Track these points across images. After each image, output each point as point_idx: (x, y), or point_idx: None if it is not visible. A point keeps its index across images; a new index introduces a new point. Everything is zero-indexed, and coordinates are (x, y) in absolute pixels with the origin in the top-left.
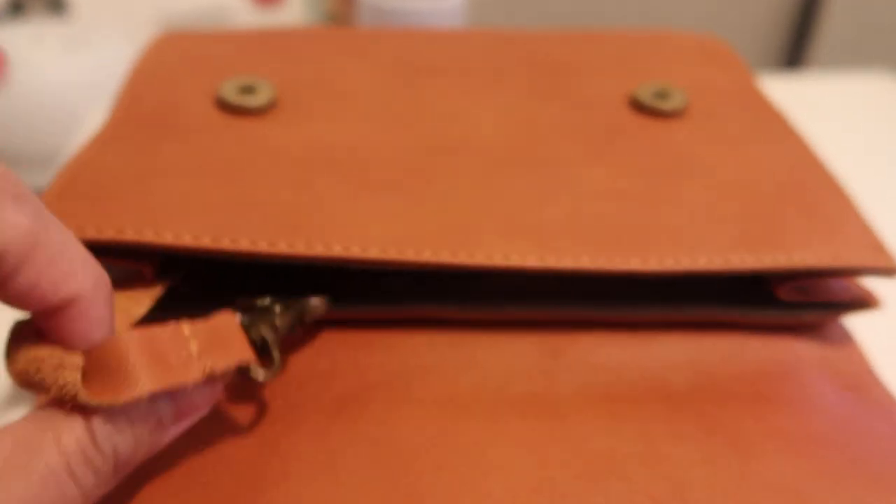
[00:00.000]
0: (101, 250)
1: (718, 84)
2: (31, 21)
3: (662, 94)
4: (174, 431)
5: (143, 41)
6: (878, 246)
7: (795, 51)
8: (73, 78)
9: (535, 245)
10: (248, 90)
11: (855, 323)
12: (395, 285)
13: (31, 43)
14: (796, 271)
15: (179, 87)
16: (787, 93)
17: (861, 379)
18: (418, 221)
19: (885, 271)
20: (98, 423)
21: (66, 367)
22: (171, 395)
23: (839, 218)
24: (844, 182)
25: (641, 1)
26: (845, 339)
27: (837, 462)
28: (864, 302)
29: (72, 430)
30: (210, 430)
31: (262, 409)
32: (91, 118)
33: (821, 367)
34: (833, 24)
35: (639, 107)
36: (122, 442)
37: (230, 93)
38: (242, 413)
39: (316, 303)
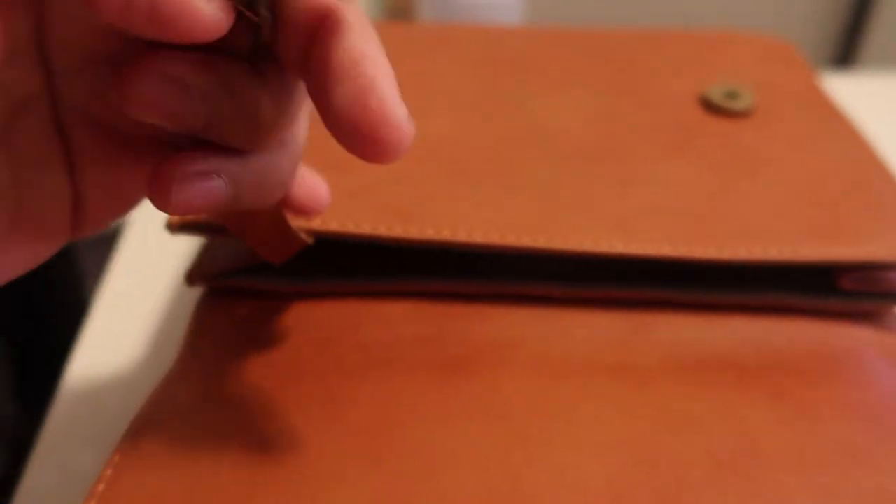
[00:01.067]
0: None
1: (785, 84)
2: None
3: (732, 95)
4: None
5: None
6: None
7: (848, 49)
8: None
9: (621, 233)
10: None
11: None
12: (489, 265)
13: None
14: (859, 264)
15: None
16: (841, 91)
17: None
18: (515, 210)
19: None
20: None
21: None
22: None
23: None
24: None
25: (699, 2)
26: None
27: (891, 428)
28: None
29: None
30: (325, 380)
31: (383, 367)
32: None
33: (877, 350)
34: (886, 23)
35: (709, 106)
36: None
37: None
38: (368, 371)
39: None
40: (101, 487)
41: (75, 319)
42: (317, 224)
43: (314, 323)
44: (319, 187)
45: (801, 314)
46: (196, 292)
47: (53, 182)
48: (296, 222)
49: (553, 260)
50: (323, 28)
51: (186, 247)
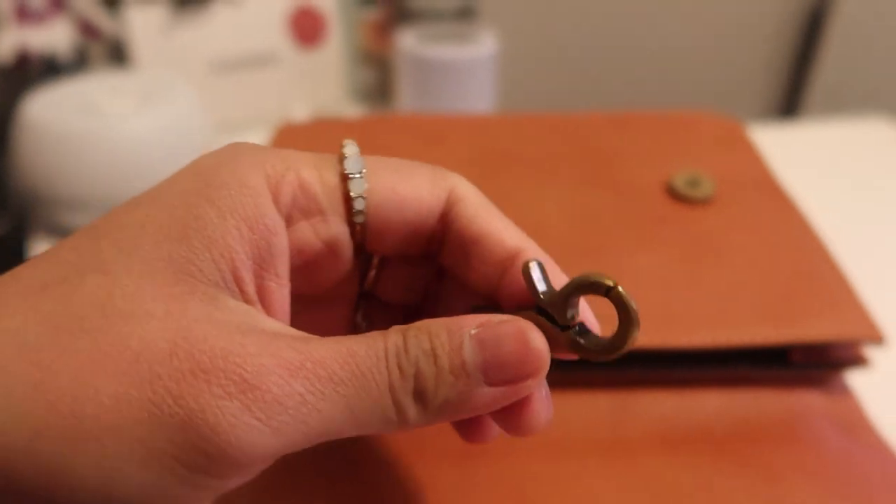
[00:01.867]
0: None
1: (739, 170)
2: (100, 72)
3: (694, 183)
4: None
5: (202, 87)
6: (869, 322)
7: (791, 99)
8: (147, 130)
9: (604, 329)
10: None
11: (852, 377)
12: None
13: (109, 96)
14: (807, 343)
15: None
16: (786, 141)
17: (857, 423)
18: None
19: (874, 341)
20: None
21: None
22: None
23: (840, 296)
24: (841, 239)
25: (648, 56)
26: (844, 390)
27: (841, 487)
28: (858, 361)
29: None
30: (351, 471)
31: (394, 453)
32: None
33: (826, 414)
34: (827, 72)
35: (674, 195)
36: (427, 367)
37: None
38: (380, 455)
39: None
40: None
41: None
42: None
43: None
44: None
45: (761, 384)
46: None
47: None
48: None
49: None
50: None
51: None
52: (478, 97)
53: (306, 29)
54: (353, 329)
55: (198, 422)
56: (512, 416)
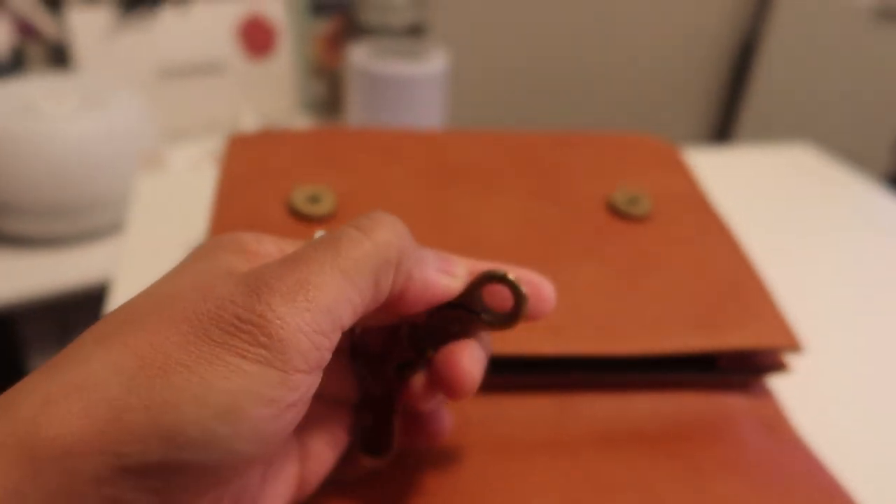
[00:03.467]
0: None
1: (675, 191)
2: (38, 74)
3: (633, 201)
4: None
5: (148, 93)
6: (789, 332)
7: (723, 125)
8: (88, 132)
9: (549, 336)
10: (314, 199)
11: (773, 381)
12: None
13: (49, 97)
14: (732, 351)
15: (259, 198)
16: (717, 164)
17: (776, 422)
18: None
19: (792, 349)
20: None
21: None
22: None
23: (761, 308)
24: (767, 255)
25: (591, 79)
26: (765, 392)
27: (759, 480)
28: (779, 367)
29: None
30: None
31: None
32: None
33: (748, 414)
34: (757, 100)
35: (614, 211)
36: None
37: (300, 202)
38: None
39: None
40: None
41: None
42: None
43: None
44: None
45: (690, 388)
46: None
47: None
48: None
49: (494, 357)
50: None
51: None
52: (427, 113)
53: (256, 39)
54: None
55: (246, 317)
56: (449, 377)
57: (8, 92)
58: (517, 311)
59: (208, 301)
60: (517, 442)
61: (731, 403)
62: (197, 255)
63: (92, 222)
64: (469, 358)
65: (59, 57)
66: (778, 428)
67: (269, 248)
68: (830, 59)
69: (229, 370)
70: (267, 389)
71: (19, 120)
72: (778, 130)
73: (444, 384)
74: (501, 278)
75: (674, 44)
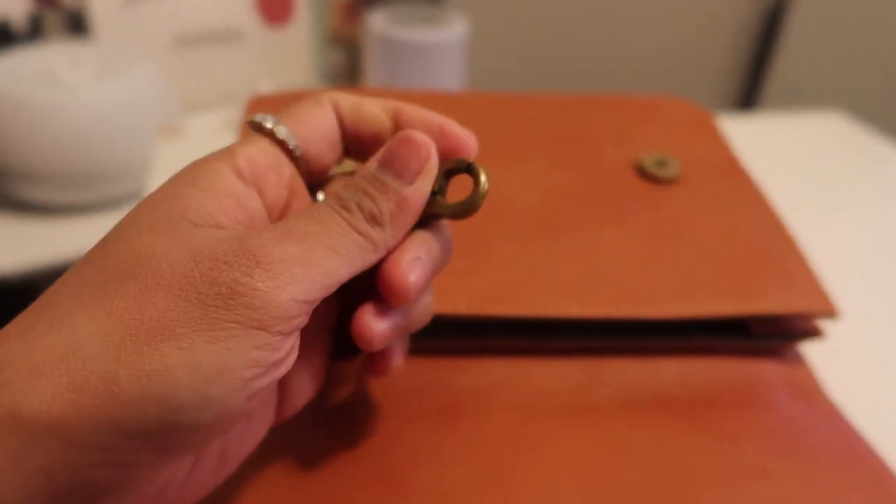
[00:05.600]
0: None
1: (703, 153)
2: (58, 43)
3: (662, 163)
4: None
5: (166, 63)
6: (824, 296)
7: (750, 93)
8: (107, 101)
9: (575, 299)
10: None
11: (806, 348)
12: (468, 324)
13: (67, 65)
14: (764, 316)
15: None
16: (745, 131)
17: (809, 389)
18: (490, 282)
19: (827, 314)
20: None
21: None
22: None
23: (796, 272)
24: (797, 224)
25: (614, 44)
26: (799, 360)
27: (790, 448)
28: (813, 333)
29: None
30: (342, 431)
31: (379, 415)
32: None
33: (780, 381)
34: (785, 68)
35: (643, 173)
36: (362, 200)
37: None
38: (366, 417)
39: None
40: None
41: None
42: None
43: None
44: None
45: (721, 354)
46: None
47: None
48: None
49: (520, 319)
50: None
51: None
52: (447, 80)
53: (273, 7)
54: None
55: (240, 290)
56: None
57: (26, 60)
58: (476, 196)
59: (200, 264)
60: (542, 406)
61: (762, 370)
62: (159, 197)
63: (110, 191)
64: (409, 260)
65: (76, 25)
66: (811, 395)
67: (236, 187)
68: (861, 22)
69: (219, 335)
70: (254, 352)
71: (37, 88)
72: (806, 97)
73: (382, 287)
74: (467, 165)
75: (700, 6)
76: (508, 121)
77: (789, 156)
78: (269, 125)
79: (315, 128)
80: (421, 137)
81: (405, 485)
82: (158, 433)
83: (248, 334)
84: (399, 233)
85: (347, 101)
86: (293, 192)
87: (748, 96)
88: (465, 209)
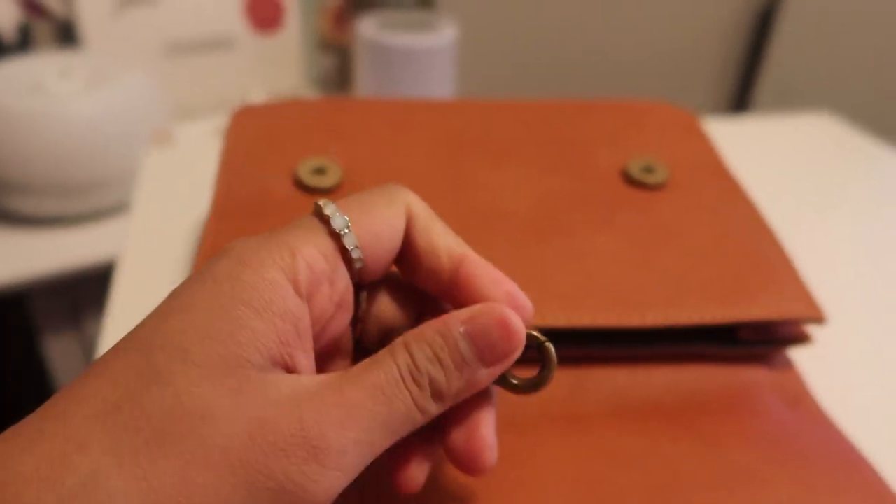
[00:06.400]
0: None
1: (691, 157)
2: (46, 52)
3: (649, 169)
4: (484, 377)
5: (157, 71)
6: (812, 302)
7: (742, 96)
8: (97, 110)
9: (563, 307)
10: (319, 171)
11: (794, 353)
12: None
13: (57, 75)
14: (753, 322)
15: (264, 171)
16: (736, 134)
17: (797, 395)
18: None
19: (815, 320)
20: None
21: None
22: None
23: (784, 277)
24: (788, 227)
25: (604, 49)
26: (787, 365)
27: (780, 453)
28: (801, 338)
29: (399, 353)
30: None
31: None
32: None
33: (769, 387)
34: (776, 70)
35: (630, 180)
36: (436, 373)
37: (305, 174)
38: None
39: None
40: None
41: (32, 376)
42: None
43: None
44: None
45: (710, 360)
46: None
47: None
48: None
49: None
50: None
51: None
52: (437, 85)
53: (264, 14)
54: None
55: (289, 488)
56: (468, 457)
57: (16, 71)
58: (547, 377)
59: (256, 447)
60: (530, 415)
61: (751, 376)
62: (211, 318)
63: (102, 201)
64: (488, 427)
65: (66, 35)
66: (800, 401)
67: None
68: (853, 25)
69: None
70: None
71: (28, 99)
72: (798, 99)
73: (462, 458)
74: (539, 344)
75: (691, 10)
76: (500, 126)
77: (779, 158)
78: (337, 226)
79: (379, 232)
80: (518, 325)
81: (393, 495)
82: None
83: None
84: (451, 405)
85: (422, 217)
86: (341, 305)
87: (740, 99)
88: (531, 389)
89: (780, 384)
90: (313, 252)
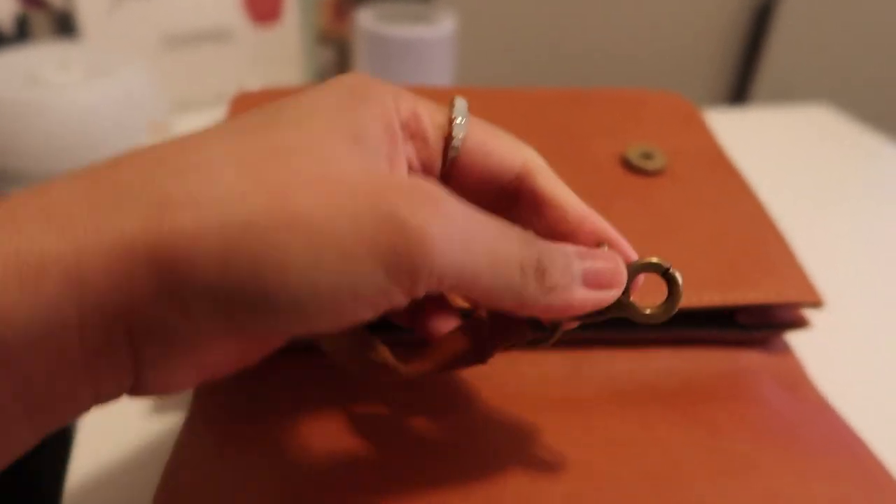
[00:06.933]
0: None
1: (689, 145)
2: (44, 43)
3: (647, 155)
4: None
5: (154, 63)
6: (809, 286)
7: (740, 87)
8: (95, 101)
9: None
10: None
11: (793, 338)
12: None
13: (55, 66)
14: (751, 305)
15: None
16: (735, 125)
17: (796, 380)
18: None
19: (813, 304)
20: None
21: None
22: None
23: (781, 262)
24: (785, 216)
25: (603, 41)
26: (786, 350)
27: (779, 438)
28: (799, 323)
29: None
30: (335, 426)
31: (367, 408)
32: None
33: (768, 372)
34: (775, 62)
35: (629, 166)
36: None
37: None
38: (359, 410)
39: None
40: None
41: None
42: None
43: (296, 379)
44: None
45: (708, 345)
46: None
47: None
48: None
49: None
50: None
51: None
52: (436, 76)
53: (262, 6)
54: None
55: (402, 216)
56: None
57: (13, 61)
58: (673, 306)
59: (381, 182)
60: (528, 399)
61: (749, 360)
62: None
63: None
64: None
65: (64, 26)
66: (798, 386)
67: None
68: (851, 17)
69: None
70: (371, 293)
71: (25, 89)
72: (796, 91)
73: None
74: (664, 270)
75: (688, 4)
76: (498, 115)
77: (778, 149)
78: (455, 113)
79: (490, 152)
80: (622, 268)
81: (393, 476)
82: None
83: (381, 275)
84: (542, 305)
85: (545, 170)
86: (426, 171)
87: (739, 91)
88: (658, 317)
89: (778, 369)
90: (425, 111)
